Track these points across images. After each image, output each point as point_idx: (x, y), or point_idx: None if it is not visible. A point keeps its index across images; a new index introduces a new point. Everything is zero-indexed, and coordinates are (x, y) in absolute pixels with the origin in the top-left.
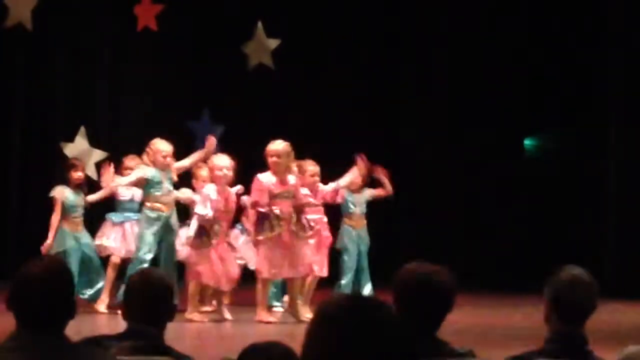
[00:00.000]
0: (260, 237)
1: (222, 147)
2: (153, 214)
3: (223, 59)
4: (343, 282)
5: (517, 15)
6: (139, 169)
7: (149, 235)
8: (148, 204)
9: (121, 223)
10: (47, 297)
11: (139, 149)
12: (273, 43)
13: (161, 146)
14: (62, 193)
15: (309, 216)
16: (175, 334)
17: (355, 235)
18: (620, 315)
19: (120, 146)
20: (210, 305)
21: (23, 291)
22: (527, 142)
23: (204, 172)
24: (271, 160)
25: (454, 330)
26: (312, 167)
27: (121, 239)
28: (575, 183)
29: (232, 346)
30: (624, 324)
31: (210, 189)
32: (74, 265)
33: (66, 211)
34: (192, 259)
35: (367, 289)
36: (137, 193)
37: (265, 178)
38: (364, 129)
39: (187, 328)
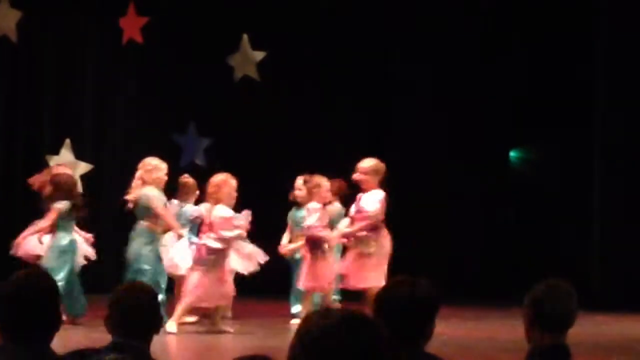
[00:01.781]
0: (372, 250)
1: (209, 160)
2: (149, 234)
3: (208, 72)
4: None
5: (504, 31)
6: (148, 189)
7: (149, 253)
8: (144, 223)
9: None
10: (32, 309)
11: (124, 162)
12: (258, 55)
13: (160, 164)
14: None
15: None
16: (161, 346)
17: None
18: (606, 328)
19: (105, 159)
20: (193, 316)
21: (7, 304)
22: (512, 154)
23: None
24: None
25: (440, 342)
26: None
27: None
28: (561, 195)
29: (217, 359)
30: (610, 336)
31: (229, 210)
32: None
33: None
34: (193, 280)
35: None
36: None
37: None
38: (351, 141)
39: (173, 340)
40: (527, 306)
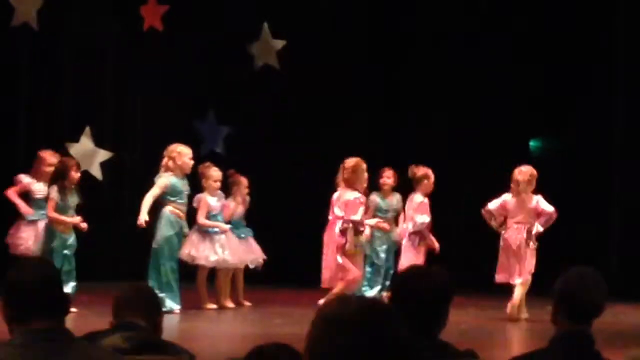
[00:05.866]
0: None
1: (227, 148)
2: (173, 218)
3: (229, 60)
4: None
5: (521, 19)
6: (163, 177)
7: (174, 237)
8: (169, 207)
9: (35, 221)
10: (41, 296)
11: (143, 149)
12: (278, 44)
13: (185, 150)
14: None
15: None
16: (178, 333)
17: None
18: (625, 317)
19: (125, 146)
20: (213, 303)
21: (17, 293)
22: (532, 143)
23: (215, 172)
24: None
25: (458, 331)
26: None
27: (34, 237)
28: (580, 184)
29: (240, 347)
30: (629, 325)
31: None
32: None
33: (59, 211)
34: (346, 266)
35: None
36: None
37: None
38: (365, 129)
39: (191, 327)
40: (555, 295)
